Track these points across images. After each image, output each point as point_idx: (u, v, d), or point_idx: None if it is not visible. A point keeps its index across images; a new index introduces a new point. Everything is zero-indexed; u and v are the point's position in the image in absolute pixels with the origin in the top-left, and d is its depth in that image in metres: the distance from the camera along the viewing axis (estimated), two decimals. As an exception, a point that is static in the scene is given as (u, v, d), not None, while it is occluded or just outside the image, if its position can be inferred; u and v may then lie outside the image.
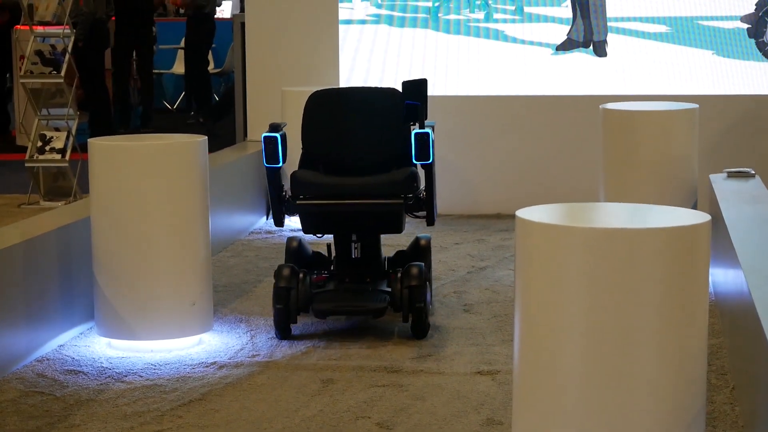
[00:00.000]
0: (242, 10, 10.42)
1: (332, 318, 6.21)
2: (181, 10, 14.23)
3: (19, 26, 13.10)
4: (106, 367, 5.80)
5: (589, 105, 8.27)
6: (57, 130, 9.91)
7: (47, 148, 9.86)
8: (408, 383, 5.50)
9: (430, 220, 5.94)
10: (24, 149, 10.26)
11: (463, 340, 6.19)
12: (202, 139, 6.30)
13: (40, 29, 10.21)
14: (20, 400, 5.36)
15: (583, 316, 3.58)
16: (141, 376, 5.64)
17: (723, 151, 8.77)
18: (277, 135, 5.58)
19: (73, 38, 10.20)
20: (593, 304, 3.56)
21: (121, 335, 6.06)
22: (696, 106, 7.75)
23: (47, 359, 5.93)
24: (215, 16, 15.32)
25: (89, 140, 6.34)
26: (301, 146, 6.43)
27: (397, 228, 5.77)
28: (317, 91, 6.12)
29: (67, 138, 9.82)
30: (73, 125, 9.96)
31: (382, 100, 6.03)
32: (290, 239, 6.13)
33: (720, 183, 7.06)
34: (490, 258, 8.09)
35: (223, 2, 15.74)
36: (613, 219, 3.82)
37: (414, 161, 5.50)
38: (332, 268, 5.99)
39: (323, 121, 6.10)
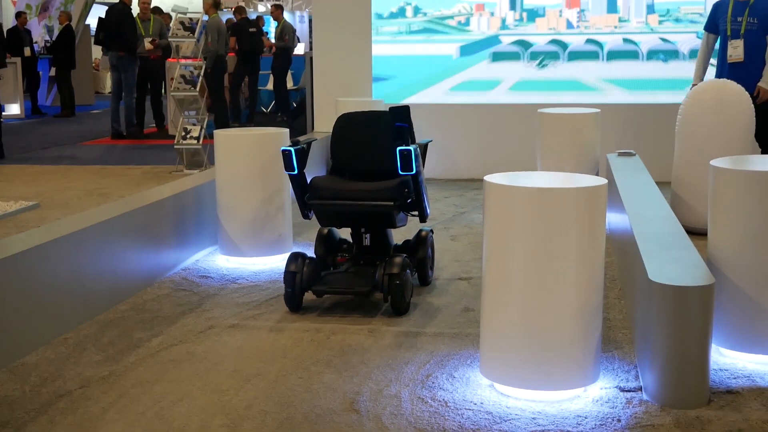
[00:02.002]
0: (311, 49, 10.34)
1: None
2: (273, 50, 14.19)
3: (169, 59, 13.10)
4: (225, 274, 5.81)
5: (533, 109, 8.21)
6: (194, 125, 9.94)
7: (188, 136, 9.89)
8: (414, 285, 5.51)
9: (422, 218, 5.26)
10: (173, 137, 10.30)
11: (450, 258, 6.19)
12: (285, 131, 6.33)
13: (183, 61, 10.20)
14: (171, 294, 5.40)
15: (525, 242, 3.77)
16: (247, 280, 5.66)
17: (615, 139, 8.71)
18: (291, 149, 4.98)
19: (203, 67, 10.18)
20: (532, 234, 3.72)
21: (234, 253, 6.08)
22: (599, 111, 7.69)
23: (188, 268, 5.95)
24: (293, 53, 15.30)
25: (214, 131, 6.40)
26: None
27: (391, 224, 5.15)
28: (343, 114, 5.57)
29: (200, 130, 9.86)
30: (204, 122, 9.99)
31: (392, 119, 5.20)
32: (321, 227, 5.50)
33: (613, 159, 7.04)
34: (467, 206, 8.06)
35: (298, 44, 15.68)
36: (546, 182, 3.82)
37: (399, 173, 4.84)
38: (353, 251, 5.35)
39: (346, 137, 5.42)
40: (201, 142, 9.92)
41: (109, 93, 14.88)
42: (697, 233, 5.62)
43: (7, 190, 9.11)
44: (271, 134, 6.32)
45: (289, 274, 4.95)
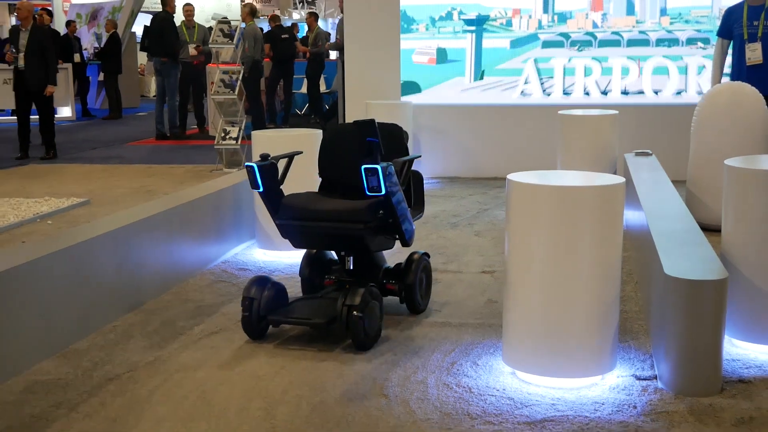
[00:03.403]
0: (342, 54, 10.35)
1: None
2: (307, 55, 14.20)
3: (210, 64, 13.16)
4: (262, 266, 5.85)
5: (553, 111, 8.18)
6: (232, 126, 9.97)
7: (227, 137, 9.92)
8: (441, 278, 5.51)
9: (403, 242, 4.49)
10: (213, 138, 10.33)
11: (474, 253, 6.18)
12: (318, 132, 6.31)
13: (222, 66, 10.24)
14: (212, 284, 5.45)
15: (546, 237, 3.77)
16: (282, 272, 5.69)
17: (632, 139, 8.66)
18: (254, 165, 4.30)
19: (241, 72, 10.22)
20: (553, 230, 3.71)
21: (271, 247, 6.13)
22: (617, 112, 7.67)
23: (227, 261, 6.00)
24: (326, 58, 15.35)
25: (252, 132, 6.46)
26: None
27: (364, 248, 4.42)
28: (332, 126, 4.91)
29: (239, 131, 9.89)
30: (242, 123, 10.02)
31: (383, 132, 4.42)
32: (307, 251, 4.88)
33: (631, 159, 6.98)
34: (491, 203, 8.04)
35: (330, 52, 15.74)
36: (566, 180, 3.82)
37: (366, 193, 4.11)
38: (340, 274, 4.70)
39: (333, 151, 4.74)
40: (239, 142, 9.92)
41: (154, 96, 14.97)
42: (711, 230, 5.57)
43: (59, 187, 9.20)
44: (305, 135, 6.37)
45: (246, 300, 4.33)
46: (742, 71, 7.23)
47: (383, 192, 4.06)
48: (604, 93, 9.23)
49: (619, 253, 3.78)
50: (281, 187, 4.60)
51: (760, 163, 4.32)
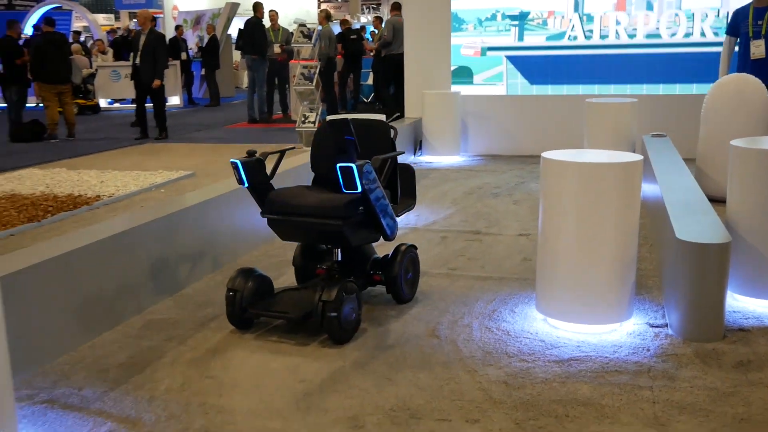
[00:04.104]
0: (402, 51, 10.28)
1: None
2: (373, 52, 14.12)
3: (292, 61, 13.19)
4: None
5: (581, 99, 8.05)
6: (310, 111, 10.00)
7: (306, 121, 9.96)
8: (483, 239, 5.49)
9: (385, 237, 3.91)
10: (294, 122, 10.39)
11: (512, 219, 6.14)
12: (383, 116, 6.25)
13: (302, 62, 10.26)
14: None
15: (575, 206, 3.75)
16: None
17: (649, 123, 8.50)
18: (238, 162, 3.77)
19: (318, 67, 10.23)
20: (580, 200, 3.69)
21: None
22: (636, 100, 7.53)
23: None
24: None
25: (327, 117, 6.37)
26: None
27: (344, 243, 3.83)
28: (326, 120, 4.20)
29: (316, 116, 9.93)
30: (318, 110, 10.05)
31: (367, 130, 4.05)
32: None
33: (648, 140, 6.86)
34: (527, 177, 7.96)
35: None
36: (592, 158, 3.76)
37: (343, 191, 3.56)
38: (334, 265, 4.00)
39: (325, 145, 4.04)
40: (316, 125, 9.96)
41: (246, 87, 15.07)
42: (717, 201, 5.45)
43: (170, 162, 9.35)
44: (370, 119, 6.29)
45: (229, 293, 3.82)
46: (746, 64, 7.07)
47: (359, 190, 3.52)
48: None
49: (637, 219, 3.73)
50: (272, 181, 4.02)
51: (761, 143, 4.23)
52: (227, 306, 3.83)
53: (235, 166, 3.79)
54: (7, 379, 2.59)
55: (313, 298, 3.71)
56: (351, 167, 3.47)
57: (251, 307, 3.79)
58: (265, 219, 3.91)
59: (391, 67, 12.51)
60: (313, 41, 10.53)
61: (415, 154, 9.30)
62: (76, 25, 24.26)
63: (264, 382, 3.29)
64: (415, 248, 4.36)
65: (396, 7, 12.41)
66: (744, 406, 3.03)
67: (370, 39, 16.55)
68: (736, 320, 3.89)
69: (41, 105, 12.23)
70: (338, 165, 3.46)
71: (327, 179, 4.01)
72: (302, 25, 10.72)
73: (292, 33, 12.76)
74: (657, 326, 3.82)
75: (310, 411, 3.02)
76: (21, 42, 12.87)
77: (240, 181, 3.82)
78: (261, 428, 2.89)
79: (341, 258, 4.01)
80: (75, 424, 2.93)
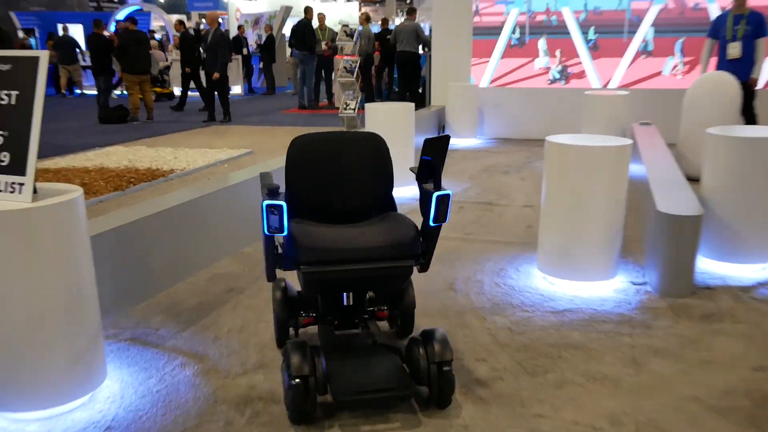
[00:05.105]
0: (430, 50, 10.21)
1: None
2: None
3: (337, 56, 13.14)
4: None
5: (581, 92, 7.95)
6: (351, 100, 9.98)
7: (347, 108, 9.93)
8: (494, 209, 5.49)
9: (425, 268, 2.61)
10: (338, 108, 10.34)
11: (520, 193, 6.12)
12: (411, 105, 6.22)
13: (345, 57, 10.24)
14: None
15: (573, 182, 3.74)
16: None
17: (638, 113, 8.38)
18: (283, 204, 2.34)
19: (358, 62, 10.20)
20: (577, 177, 3.68)
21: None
22: (628, 92, 7.43)
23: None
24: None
25: (366, 104, 6.34)
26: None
27: (402, 285, 2.78)
28: (298, 136, 2.78)
29: (356, 104, 9.88)
30: (358, 98, 10.01)
31: (364, 144, 2.80)
32: (275, 287, 2.96)
33: (636, 127, 6.80)
34: (533, 157, 7.90)
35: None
36: (588, 141, 3.75)
37: (431, 224, 2.46)
38: (319, 309, 2.80)
39: (306, 166, 2.74)
40: (356, 112, 9.93)
41: (298, 78, 15.08)
42: (693, 179, 5.40)
43: (232, 142, 9.37)
44: (400, 107, 6.24)
45: (294, 381, 2.35)
46: (723, 63, 6.94)
47: (447, 221, 2.52)
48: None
49: (624, 194, 3.72)
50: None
51: (733, 131, 4.18)
52: (294, 400, 2.38)
53: (278, 209, 2.35)
54: (97, 320, 2.67)
55: (396, 360, 2.59)
56: (449, 196, 2.47)
57: (340, 394, 2.39)
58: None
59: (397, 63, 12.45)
60: (354, 39, 10.46)
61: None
62: (154, 24, 24.36)
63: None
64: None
65: (410, 12, 12.29)
66: (707, 350, 3.04)
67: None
68: (704, 280, 3.87)
69: (125, 93, 12.33)
70: (436, 194, 2.43)
71: (305, 205, 2.77)
72: (345, 25, 10.66)
73: (336, 32, 12.70)
74: (638, 284, 3.82)
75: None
76: (107, 37, 12.98)
77: (280, 229, 2.38)
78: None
79: (352, 302, 2.80)
80: (152, 358, 2.99)
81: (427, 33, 12.06)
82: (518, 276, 3.99)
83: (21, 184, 2.41)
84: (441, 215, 2.48)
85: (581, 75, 9.12)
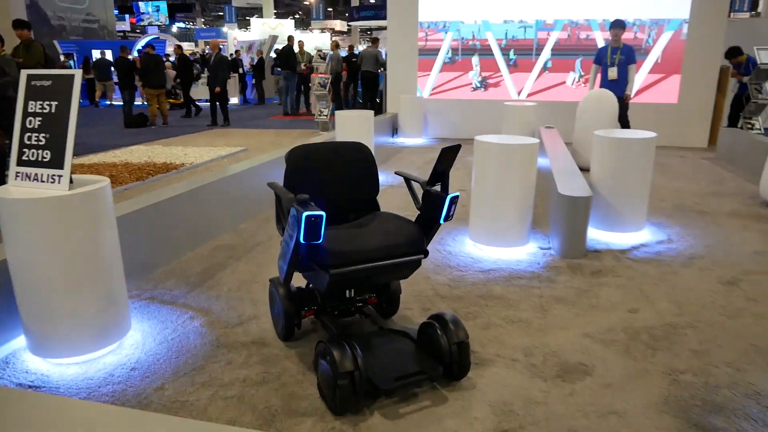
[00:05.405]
0: (386, 70, 10.06)
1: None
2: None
3: (312, 74, 12.86)
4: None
5: (500, 103, 7.91)
6: (325, 108, 9.82)
7: (321, 114, 9.77)
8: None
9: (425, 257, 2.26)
10: (314, 115, 10.17)
11: (455, 179, 6.05)
12: (371, 112, 6.06)
13: (319, 75, 10.05)
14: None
15: (494, 170, 3.70)
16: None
17: (544, 118, 8.39)
18: (322, 214, 1.90)
19: (329, 79, 10.01)
20: (498, 167, 3.66)
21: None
22: (536, 104, 7.41)
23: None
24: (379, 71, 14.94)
25: (336, 112, 6.14)
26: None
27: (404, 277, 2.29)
28: (295, 147, 2.46)
29: (328, 111, 9.74)
30: (329, 107, 9.84)
31: (352, 152, 2.52)
32: (274, 285, 2.60)
33: (542, 130, 6.82)
34: (466, 152, 7.85)
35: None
36: (506, 140, 3.72)
37: (441, 221, 2.21)
38: (319, 302, 2.51)
39: (305, 173, 2.40)
40: (329, 118, 9.84)
41: (282, 91, 14.80)
42: (584, 169, 5.48)
43: (230, 141, 9.14)
44: (361, 114, 6.07)
45: (341, 381, 2.01)
46: (605, 83, 7.08)
47: (451, 218, 2.36)
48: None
49: (534, 179, 3.71)
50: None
51: (613, 134, 4.23)
52: (343, 396, 2.02)
53: (317, 220, 1.95)
54: (123, 284, 2.59)
55: (410, 344, 2.33)
56: (458, 196, 2.26)
57: (383, 384, 2.08)
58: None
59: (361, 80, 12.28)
60: (327, 61, 10.31)
61: (393, 137, 9.25)
62: (168, 49, 23.61)
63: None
64: None
65: (374, 41, 12.19)
66: (595, 298, 3.07)
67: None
68: (593, 245, 3.91)
69: (145, 103, 11.94)
70: (451, 195, 2.22)
71: (336, 208, 2.47)
72: (320, 50, 10.50)
73: (312, 56, 12.48)
74: (544, 249, 3.83)
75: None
76: (131, 60, 12.56)
77: (316, 236, 1.98)
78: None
79: (354, 294, 2.54)
80: (168, 313, 2.92)
81: (384, 58, 11.93)
82: (454, 244, 3.94)
83: (60, 176, 2.37)
84: (451, 213, 2.25)
85: (498, 84, 9.15)
